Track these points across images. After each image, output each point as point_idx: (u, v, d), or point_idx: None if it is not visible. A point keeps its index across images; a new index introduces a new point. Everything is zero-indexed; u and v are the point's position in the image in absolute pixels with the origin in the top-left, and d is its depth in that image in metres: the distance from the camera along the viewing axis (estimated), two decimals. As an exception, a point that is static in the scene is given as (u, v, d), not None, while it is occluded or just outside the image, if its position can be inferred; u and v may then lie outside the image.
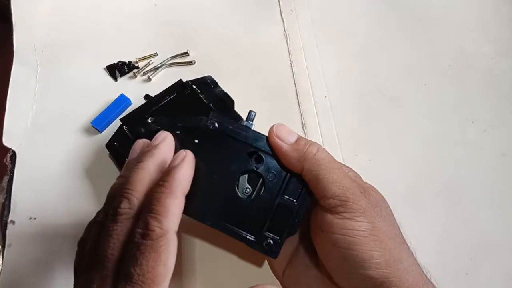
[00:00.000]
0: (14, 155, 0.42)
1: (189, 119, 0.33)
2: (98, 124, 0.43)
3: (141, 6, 0.51)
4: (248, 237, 0.30)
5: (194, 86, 0.43)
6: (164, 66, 0.48)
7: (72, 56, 0.48)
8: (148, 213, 0.25)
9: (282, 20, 0.52)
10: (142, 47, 0.49)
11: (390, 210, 0.30)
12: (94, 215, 0.28)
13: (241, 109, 0.43)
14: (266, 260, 0.38)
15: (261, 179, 0.31)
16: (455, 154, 0.47)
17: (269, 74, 0.49)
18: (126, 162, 0.31)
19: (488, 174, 0.46)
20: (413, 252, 0.29)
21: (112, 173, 0.42)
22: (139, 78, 0.47)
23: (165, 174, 0.27)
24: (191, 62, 0.48)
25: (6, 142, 0.43)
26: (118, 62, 0.47)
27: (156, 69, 0.47)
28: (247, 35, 0.51)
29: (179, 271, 0.39)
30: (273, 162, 0.31)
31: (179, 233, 0.26)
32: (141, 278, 0.23)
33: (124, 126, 0.41)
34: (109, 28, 0.50)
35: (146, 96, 0.45)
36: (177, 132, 0.32)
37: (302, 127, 0.46)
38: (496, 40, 0.54)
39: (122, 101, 0.44)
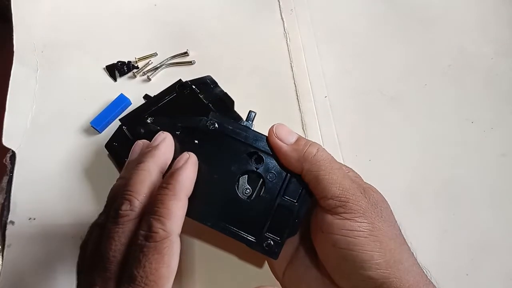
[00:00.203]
0: (13, 155, 0.42)
1: (189, 120, 0.32)
2: (97, 124, 0.43)
3: (141, 6, 0.51)
4: (248, 237, 0.30)
5: (193, 86, 0.43)
6: (163, 66, 0.48)
7: (72, 56, 0.48)
8: (151, 215, 0.25)
9: (282, 20, 0.52)
10: (142, 47, 0.48)
11: (391, 210, 0.30)
12: (93, 215, 0.28)
13: (241, 109, 0.43)
14: (266, 261, 0.38)
15: (261, 180, 0.31)
16: (455, 154, 0.47)
17: (269, 74, 0.49)
18: (126, 163, 0.31)
19: (488, 174, 0.46)
20: (414, 253, 0.29)
21: (111, 173, 0.42)
22: (138, 78, 0.47)
23: (169, 176, 0.27)
24: (190, 62, 0.48)
25: (5, 142, 0.42)
26: (118, 62, 0.47)
27: (155, 69, 0.47)
28: (247, 35, 0.51)
29: (179, 271, 0.39)
30: (273, 163, 0.31)
31: (179, 234, 0.26)
32: (144, 280, 0.23)
33: (123, 126, 0.41)
34: (108, 28, 0.50)
35: (146, 96, 0.45)
36: (176, 132, 0.32)
37: (302, 127, 0.46)
38: (496, 40, 0.54)
39: (122, 101, 0.44)
